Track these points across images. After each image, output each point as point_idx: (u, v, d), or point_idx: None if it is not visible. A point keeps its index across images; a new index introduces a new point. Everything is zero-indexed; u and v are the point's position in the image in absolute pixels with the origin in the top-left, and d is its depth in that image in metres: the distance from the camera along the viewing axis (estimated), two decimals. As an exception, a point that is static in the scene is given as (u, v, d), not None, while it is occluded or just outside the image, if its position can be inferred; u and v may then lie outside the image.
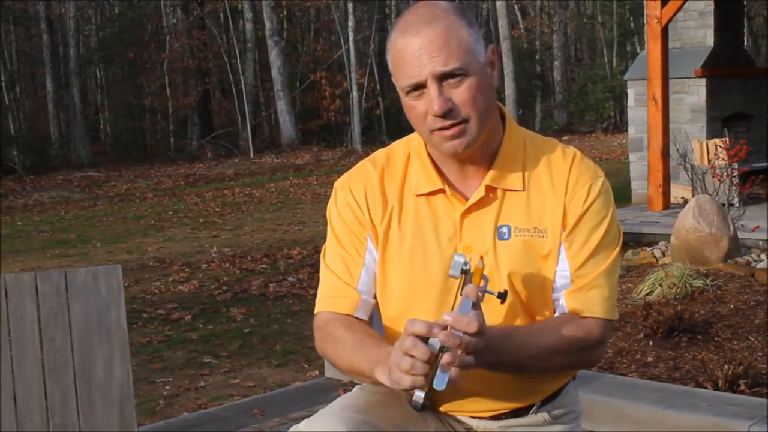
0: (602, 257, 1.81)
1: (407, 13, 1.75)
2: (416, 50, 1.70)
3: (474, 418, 1.88)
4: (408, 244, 1.83)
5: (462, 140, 1.73)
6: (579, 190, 1.80)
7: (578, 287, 1.81)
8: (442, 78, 1.70)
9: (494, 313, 1.77)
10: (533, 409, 1.88)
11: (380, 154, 1.92)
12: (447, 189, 1.82)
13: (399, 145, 1.92)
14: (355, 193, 1.87)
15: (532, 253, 1.79)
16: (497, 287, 1.74)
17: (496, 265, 1.78)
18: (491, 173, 1.81)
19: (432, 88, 1.70)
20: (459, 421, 1.89)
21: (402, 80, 1.73)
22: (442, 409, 1.89)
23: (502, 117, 1.87)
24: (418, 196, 1.84)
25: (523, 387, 1.85)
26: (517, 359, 1.74)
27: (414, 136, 1.88)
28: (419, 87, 1.71)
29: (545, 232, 1.80)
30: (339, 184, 1.92)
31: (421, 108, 1.73)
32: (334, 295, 1.87)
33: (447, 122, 1.71)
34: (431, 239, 1.82)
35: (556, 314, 1.84)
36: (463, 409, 1.88)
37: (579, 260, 1.80)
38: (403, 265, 1.83)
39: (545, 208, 1.81)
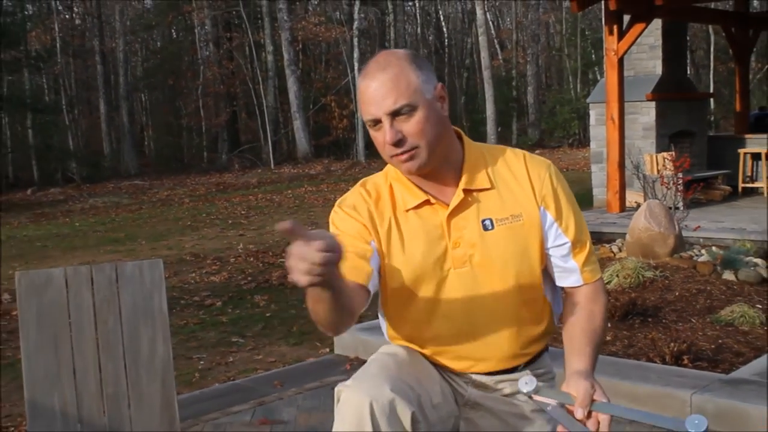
0: (582, 224, 1.93)
1: (370, 61, 1.80)
2: (372, 92, 1.75)
3: (473, 374, 1.93)
4: (407, 248, 1.86)
5: (414, 162, 1.78)
6: (543, 178, 1.88)
7: (585, 260, 1.92)
8: (394, 114, 1.74)
9: (486, 286, 1.84)
10: (519, 368, 1.95)
11: (368, 185, 1.91)
12: (431, 199, 1.85)
13: (378, 179, 1.92)
14: (358, 207, 1.87)
15: (515, 235, 1.85)
16: (490, 270, 1.83)
17: (487, 251, 1.83)
18: (464, 179, 1.85)
19: (386, 123, 1.75)
20: (460, 376, 1.94)
21: (364, 116, 1.79)
22: (447, 364, 1.92)
23: (460, 138, 1.91)
24: (407, 210, 1.87)
25: (514, 353, 1.93)
26: (596, 354, 1.91)
27: (388, 168, 1.90)
28: (377, 121, 1.77)
29: (520, 216, 1.86)
30: (340, 201, 1.91)
31: (381, 138, 1.78)
32: (352, 265, 1.79)
33: (399, 150, 1.77)
34: (425, 241, 1.85)
35: (558, 281, 1.92)
36: (467, 370, 1.93)
37: (572, 232, 1.89)
38: (405, 264, 1.86)
39: (515, 198, 1.86)
